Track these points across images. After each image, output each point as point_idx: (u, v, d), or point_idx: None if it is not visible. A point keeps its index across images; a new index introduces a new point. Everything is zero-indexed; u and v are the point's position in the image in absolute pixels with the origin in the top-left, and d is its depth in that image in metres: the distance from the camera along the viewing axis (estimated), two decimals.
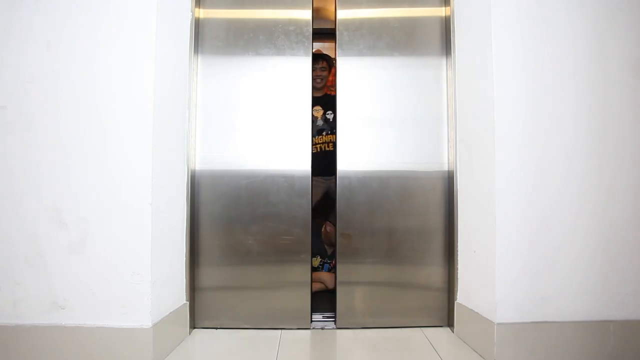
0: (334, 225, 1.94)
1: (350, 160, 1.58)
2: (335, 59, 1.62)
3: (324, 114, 2.27)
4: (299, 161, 1.55)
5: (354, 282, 1.55)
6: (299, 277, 1.54)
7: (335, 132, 2.22)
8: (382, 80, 1.59)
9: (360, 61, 1.60)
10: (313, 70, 2.24)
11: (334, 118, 2.23)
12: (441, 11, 1.60)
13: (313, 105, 2.25)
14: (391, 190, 1.56)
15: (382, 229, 1.56)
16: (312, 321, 1.54)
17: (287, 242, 1.54)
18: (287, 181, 1.54)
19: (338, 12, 1.60)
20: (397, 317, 1.54)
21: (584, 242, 1.23)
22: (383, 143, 1.58)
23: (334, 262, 2.06)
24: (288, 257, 1.54)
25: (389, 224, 1.56)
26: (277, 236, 1.54)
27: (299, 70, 1.57)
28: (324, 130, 2.25)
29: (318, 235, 2.07)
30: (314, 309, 1.65)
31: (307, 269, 1.54)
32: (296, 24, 1.57)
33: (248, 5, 1.59)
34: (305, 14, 1.58)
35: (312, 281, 1.91)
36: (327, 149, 2.24)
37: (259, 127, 1.55)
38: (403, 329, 1.51)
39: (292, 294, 1.53)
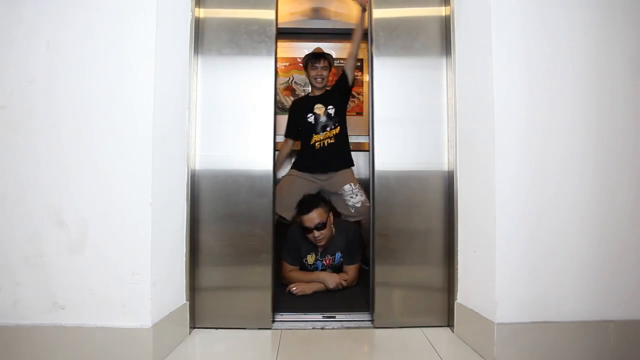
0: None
1: (386, 160, 1.58)
2: (371, 59, 1.60)
3: (326, 109, 2.27)
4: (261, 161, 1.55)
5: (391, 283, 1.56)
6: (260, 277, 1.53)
7: (338, 125, 2.27)
8: (416, 80, 1.60)
9: (394, 61, 1.59)
10: (314, 69, 2.28)
11: (336, 112, 2.26)
12: (441, 11, 1.60)
13: (314, 104, 2.27)
14: (409, 188, 1.58)
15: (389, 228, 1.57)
16: (274, 321, 1.54)
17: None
18: (247, 180, 1.53)
19: (374, 11, 1.60)
20: (401, 317, 1.54)
21: (584, 242, 1.23)
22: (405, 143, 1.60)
23: (326, 260, 2.06)
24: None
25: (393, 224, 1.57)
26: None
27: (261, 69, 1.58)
28: (328, 126, 2.27)
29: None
30: (315, 309, 1.66)
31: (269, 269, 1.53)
32: (259, 24, 1.57)
33: (246, 5, 1.59)
34: (269, 14, 1.58)
35: (310, 281, 1.93)
36: (330, 142, 2.26)
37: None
38: (403, 328, 1.51)
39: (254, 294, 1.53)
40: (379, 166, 1.58)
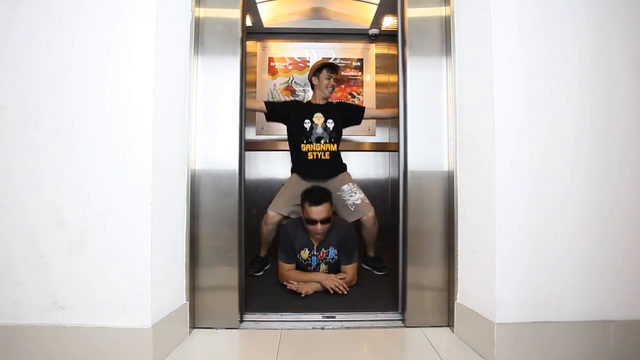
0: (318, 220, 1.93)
1: (420, 160, 1.56)
2: (405, 61, 1.58)
3: (325, 121, 2.30)
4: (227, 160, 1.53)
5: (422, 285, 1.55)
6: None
7: (335, 142, 2.31)
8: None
9: (427, 60, 1.58)
10: (328, 79, 2.31)
11: (334, 128, 2.28)
12: (441, 11, 1.60)
13: (315, 112, 2.31)
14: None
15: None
16: (242, 321, 1.54)
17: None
18: (213, 180, 1.51)
19: (408, 10, 1.58)
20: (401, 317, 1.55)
21: (584, 242, 1.23)
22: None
23: (321, 254, 2.06)
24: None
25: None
26: None
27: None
28: (323, 139, 2.29)
29: (304, 227, 2.06)
30: (315, 309, 1.66)
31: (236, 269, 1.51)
32: (224, 23, 1.55)
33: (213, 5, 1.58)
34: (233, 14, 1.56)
35: (308, 281, 1.93)
36: (323, 157, 2.28)
37: None
38: (403, 328, 1.51)
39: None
40: (412, 166, 1.56)
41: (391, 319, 1.57)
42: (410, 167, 1.55)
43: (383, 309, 1.65)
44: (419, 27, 1.58)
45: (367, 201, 2.24)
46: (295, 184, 2.30)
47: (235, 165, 1.53)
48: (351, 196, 2.21)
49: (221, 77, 1.55)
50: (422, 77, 1.57)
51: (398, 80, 1.64)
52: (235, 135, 1.54)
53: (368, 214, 2.20)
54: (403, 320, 1.56)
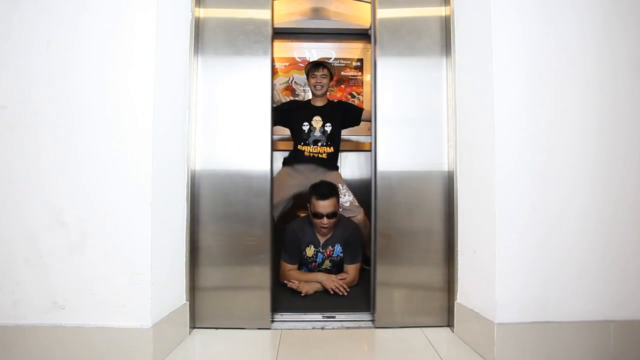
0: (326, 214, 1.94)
1: (390, 160, 1.56)
2: (375, 60, 1.60)
3: (323, 125, 2.32)
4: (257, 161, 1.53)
5: (392, 283, 1.55)
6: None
7: (332, 145, 2.32)
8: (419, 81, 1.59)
9: (398, 61, 1.58)
10: (313, 77, 2.32)
11: (332, 131, 2.28)
12: (441, 11, 1.60)
13: (314, 115, 2.32)
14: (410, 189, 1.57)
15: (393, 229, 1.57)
16: (273, 321, 1.55)
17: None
18: (245, 181, 1.52)
19: (378, 11, 1.60)
20: (402, 317, 1.54)
21: (588, 243, 1.23)
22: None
23: (327, 252, 2.07)
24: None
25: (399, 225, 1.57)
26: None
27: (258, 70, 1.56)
28: (320, 142, 2.31)
29: (311, 224, 2.07)
30: (315, 308, 1.66)
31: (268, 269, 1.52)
32: (255, 23, 1.56)
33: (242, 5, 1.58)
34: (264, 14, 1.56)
35: (308, 280, 1.94)
36: (320, 157, 2.31)
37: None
38: (403, 328, 1.51)
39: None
40: (381, 166, 1.56)
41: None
42: (379, 168, 1.55)
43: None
44: (389, 27, 1.58)
45: (357, 204, 2.28)
46: (285, 173, 2.33)
47: (267, 167, 1.53)
48: (341, 197, 2.24)
49: (246, 77, 1.55)
50: (395, 77, 1.57)
51: (371, 79, 1.64)
52: (267, 136, 1.54)
53: (357, 217, 2.23)
54: (372, 320, 1.56)
